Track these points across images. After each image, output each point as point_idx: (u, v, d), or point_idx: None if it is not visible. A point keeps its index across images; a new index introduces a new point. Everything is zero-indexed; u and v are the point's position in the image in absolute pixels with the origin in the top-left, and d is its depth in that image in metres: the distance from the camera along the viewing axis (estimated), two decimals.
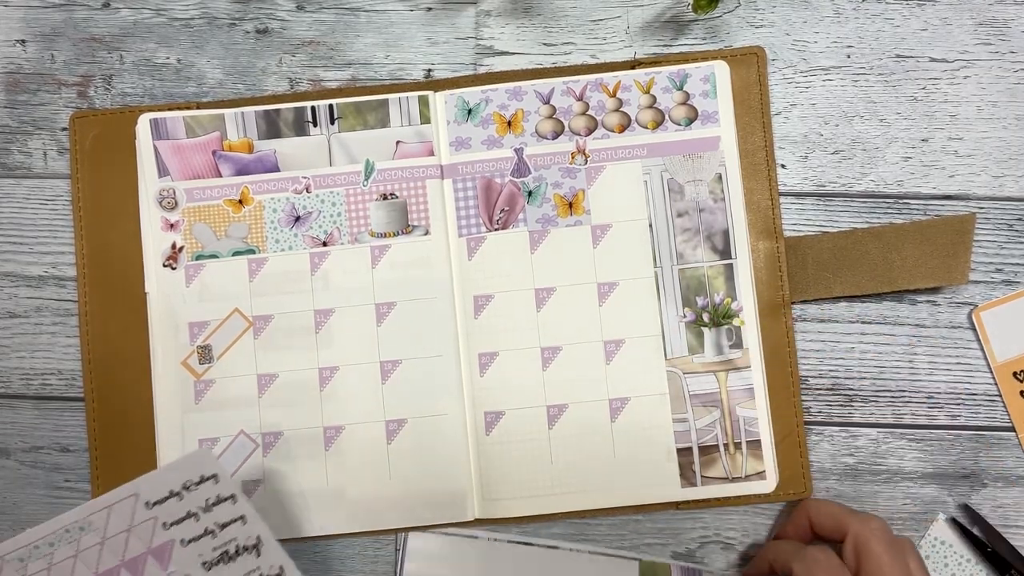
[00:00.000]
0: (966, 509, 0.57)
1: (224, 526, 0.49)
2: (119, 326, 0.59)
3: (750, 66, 0.59)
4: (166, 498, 0.49)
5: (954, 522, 0.57)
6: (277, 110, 0.59)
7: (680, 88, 0.59)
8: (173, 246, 0.59)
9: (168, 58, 0.61)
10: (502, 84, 0.59)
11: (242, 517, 0.49)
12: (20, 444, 0.59)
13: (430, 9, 0.61)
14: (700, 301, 0.58)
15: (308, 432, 0.58)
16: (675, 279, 0.58)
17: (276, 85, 0.60)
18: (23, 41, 0.61)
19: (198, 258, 0.59)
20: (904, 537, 0.50)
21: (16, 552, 0.48)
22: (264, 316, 0.58)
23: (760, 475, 0.57)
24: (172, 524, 0.49)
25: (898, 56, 0.60)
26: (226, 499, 0.49)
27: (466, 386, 0.58)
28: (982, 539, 0.56)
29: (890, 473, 0.58)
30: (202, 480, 0.50)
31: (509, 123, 0.59)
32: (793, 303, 0.58)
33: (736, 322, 0.58)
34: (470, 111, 0.59)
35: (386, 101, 0.59)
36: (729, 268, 0.58)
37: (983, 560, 0.56)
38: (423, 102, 0.59)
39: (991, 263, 0.59)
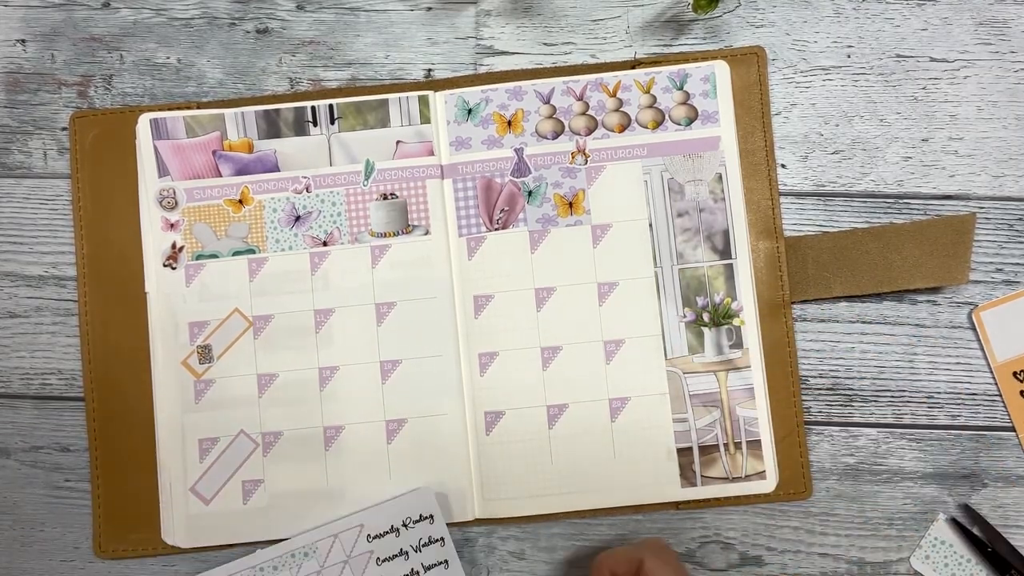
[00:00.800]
0: (966, 509, 0.57)
1: (429, 568, 0.51)
2: (119, 326, 0.59)
3: (750, 66, 0.59)
4: (386, 533, 0.51)
5: (954, 522, 0.57)
6: (277, 110, 0.59)
7: (680, 88, 0.59)
8: (173, 246, 0.59)
9: (168, 58, 0.61)
10: (502, 84, 0.59)
11: (446, 561, 0.51)
12: (20, 444, 0.59)
13: (430, 9, 0.61)
14: (700, 301, 0.58)
15: (308, 432, 0.58)
16: (675, 279, 0.58)
17: (276, 85, 0.60)
18: (23, 41, 0.61)
19: (198, 258, 0.59)
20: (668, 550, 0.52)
21: (241, 572, 0.49)
22: (264, 316, 0.58)
23: (760, 475, 0.57)
24: (384, 560, 0.51)
25: (898, 56, 0.60)
26: (436, 541, 0.51)
27: (466, 386, 0.58)
28: (982, 539, 0.56)
29: (890, 473, 0.58)
30: (420, 519, 0.52)
31: (509, 123, 0.59)
32: (793, 303, 0.58)
33: (736, 322, 0.58)
34: (470, 111, 0.59)
35: (386, 101, 0.59)
36: (729, 268, 0.58)
37: (983, 560, 0.56)
38: (423, 102, 0.59)
39: (991, 263, 0.59)
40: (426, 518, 0.53)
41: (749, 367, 0.57)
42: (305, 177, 0.59)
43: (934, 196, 0.59)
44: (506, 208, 0.59)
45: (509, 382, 0.58)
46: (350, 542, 0.52)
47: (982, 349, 0.58)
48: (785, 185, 0.59)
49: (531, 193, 0.59)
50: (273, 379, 0.58)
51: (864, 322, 0.58)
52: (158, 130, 0.59)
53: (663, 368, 0.58)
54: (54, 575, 0.59)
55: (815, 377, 0.58)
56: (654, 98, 0.59)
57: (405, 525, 0.53)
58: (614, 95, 0.59)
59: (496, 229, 0.58)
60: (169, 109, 0.60)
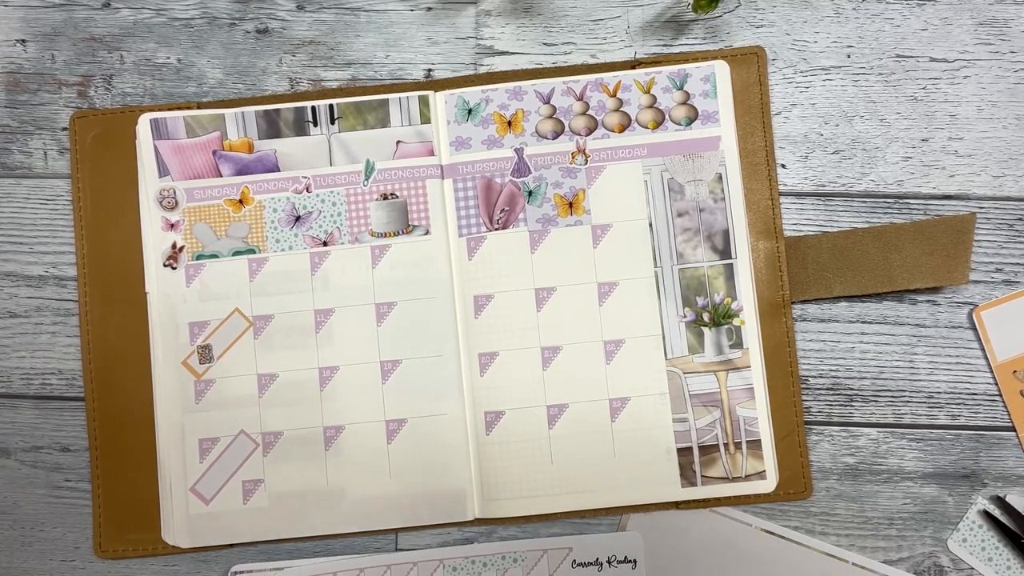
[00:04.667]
0: (999, 501, 0.57)
1: None
2: (119, 326, 0.59)
3: (750, 66, 0.59)
4: (590, 564, 0.53)
5: (986, 514, 0.57)
6: (277, 110, 0.59)
7: (680, 88, 0.59)
8: (173, 246, 0.59)
9: (168, 58, 0.61)
10: (502, 84, 0.59)
11: None
12: (20, 444, 0.59)
13: (430, 9, 0.61)
14: (700, 301, 0.58)
15: (308, 432, 0.58)
16: (675, 279, 0.58)
17: (276, 85, 0.61)
18: (23, 41, 0.61)
19: (198, 258, 0.59)
20: None
21: (454, 559, 0.50)
22: (264, 316, 0.58)
23: (760, 475, 0.57)
24: None
25: (898, 56, 0.60)
26: None
27: (466, 386, 0.58)
28: (1015, 530, 0.56)
29: (890, 473, 0.58)
30: (625, 560, 0.53)
31: (509, 123, 0.59)
32: (793, 303, 0.58)
33: (736, 322, 0.58)
34: (470, 111, 0.59)
35: (386, 101, 0.59)
36: (729, 268, 0.58)
37: (1015, 551, 0.56)
38: (423, 102, 0.59)
39: (991, 263, 0.59)
40: (631, 561, 0.55)
41: (749, 367, 0.57)
42: (305, 177, 0.59)
43: (934, 196, 0.59)
44: (506, 208, 0.59)
45: (509, 382, 0.58)
46: (556, 561, 0.55)
47: (982, 349, 0.58)
48: (785, 185, 0.59)
49: (531, 193, 0.59)
50: (273, 379, 0.58)
51: (864, 322, 0.58)
52: (158, 130, 0.59)
53: (663, 368, 0.58)
54: (54, 575, 0.59)
55: (815, 377, 0.58)
56: (654, 98, 0.59)
57: (609, 562, 0.54)
58: (614, 95, 0.59)
59: (496, 229, 0.58)
60: (169, 109, 0.60)
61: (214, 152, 0.59)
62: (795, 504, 0.58)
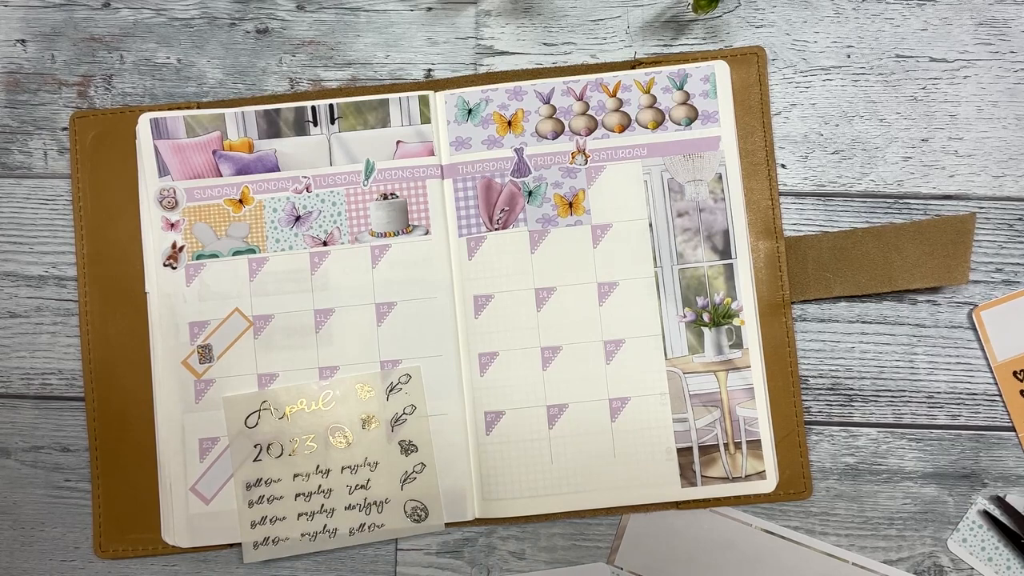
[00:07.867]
0: (999, 501, 0.57)
1: None
2: (119, 326, 0.59)
3: (750, 66, 0.59)
4: None
5: (986, 515, 0.57)
6: (277, 110, 0.59)
7: (680, 88, 0.59)
8: (173, 246, 0.59)
9: (168, 58, 0.61)
10: (502, 84, 0.59)
11: None
12: (20, 444, 0.59)
13: (430, 9, 0.61)
14: (700, 301, 0.58)
15: None
16: (675, 279, 0.58)
17: (276, 85, 0.61)
18: (23, 41, 0.61)
19: (198, 258, 0.59)
20: None
21: None
22: (264, 316, 0.58)
23: (760, 475, 0.57)
24: None
25: (898, 56, 0.60)
26: None
27: (466, 386, 0.58)
28: (1015, 531, 0.56)
29: (890, 473, 0.58)
30: None
31: (509, 123, 0.59)
32: (793, 303, 0.58)
33: (736, 322, 0.58)
34: (470, 111, 0.59)
35: (386, 101, 0.59)
36: (729, 268, 0.58)
37: (1015, 551, 0.56)
38: (423, 102, 0.59)
39: (991, 263, 0.59)
40: None
41: (749, 367, 0.57)
42: (305, 177, 0.59)
43: (934, 196, 0.59)
44: (506, 208, 0.59)
45: (509, 382, 0.58)
46: None
47: (982, 349, 0.58)
48: (785, 185, 0.59)
49: (531, 193, 0.59)
50: (273, 379, 0.58)
51: (864, 322, 0.58)
52: (158, 130, 0.59)
53: (663, 368, 0.58)
54: (54, 575, 0.59)
55: (815, 377, 0.58)
56: (654, 98, 0.59)
57: None
58: (614, 95, 0.59)
59: (496, 229, 0.58)
60: (169, 109, 0.60)
61: (214, 152, 0.59)
62: (795, 504, 0.58)
